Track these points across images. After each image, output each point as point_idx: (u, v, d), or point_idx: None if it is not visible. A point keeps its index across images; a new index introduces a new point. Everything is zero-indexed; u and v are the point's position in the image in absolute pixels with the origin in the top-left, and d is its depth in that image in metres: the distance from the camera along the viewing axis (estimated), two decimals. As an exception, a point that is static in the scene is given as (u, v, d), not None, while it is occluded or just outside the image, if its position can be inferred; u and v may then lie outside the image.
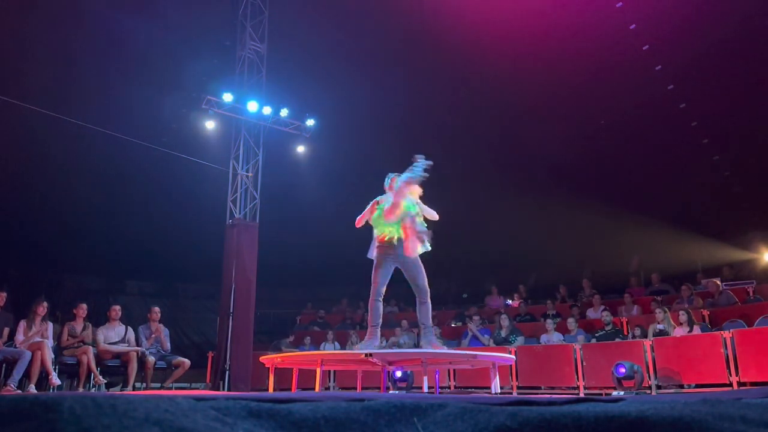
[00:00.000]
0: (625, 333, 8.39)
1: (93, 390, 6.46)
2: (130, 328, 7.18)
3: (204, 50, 9.92)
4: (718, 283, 8.66)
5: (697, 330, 7.34)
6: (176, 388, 7.14)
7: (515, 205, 11.13)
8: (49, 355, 6.09)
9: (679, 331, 7.41)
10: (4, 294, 6.41)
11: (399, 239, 4.65)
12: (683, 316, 7.50)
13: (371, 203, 4.90)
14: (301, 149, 10.29)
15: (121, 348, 6.87)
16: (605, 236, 10.49)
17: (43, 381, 6.12)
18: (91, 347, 6.61)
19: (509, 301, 11.36)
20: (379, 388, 4.85)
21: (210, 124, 9.57)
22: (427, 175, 4.64)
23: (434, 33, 9.46)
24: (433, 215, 4.86)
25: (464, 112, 10.89)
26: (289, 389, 5.40)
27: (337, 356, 5.47)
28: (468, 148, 11.29)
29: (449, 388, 8.05)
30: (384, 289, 4.82)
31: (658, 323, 7.80)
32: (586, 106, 10.17)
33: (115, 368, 6.89)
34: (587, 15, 8.97)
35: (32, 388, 5.93)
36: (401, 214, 4.62)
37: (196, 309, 13.18)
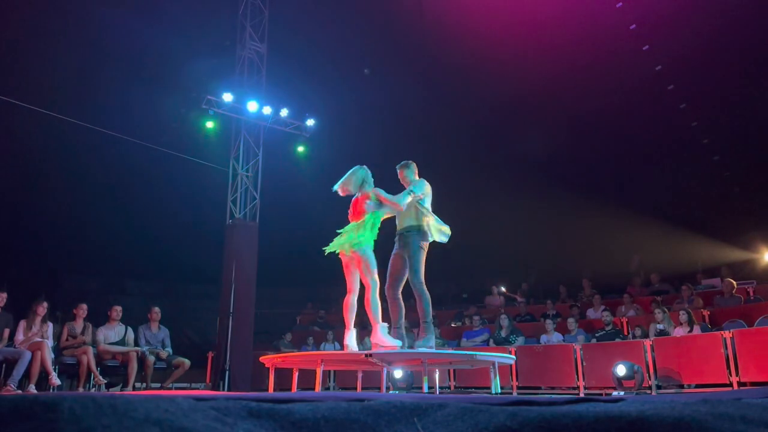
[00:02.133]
0: (625, 333, 8.39)
1: (93, 390, 6.46)
2: (130, 329, 7.17)
3: (204, 50, 9.93)
4: (734, 283, 8.63)
5: (697, 330, 7.33)
6: (176, 388, 7.14)
7: (516, 206, 11.13)
8: (49, 355, 6.09)
9: (679, 331, 7.41)
10: (5, 294, 6.41)
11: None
12: (683, 316, 7.49)
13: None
14: (301, 149, 10.30)
15: (121, 348, 6.87)
16: (605, 236, 10.49)
17: (43, 381, 6.11)
18: (91, 347, 6.61)
19: (510, 294, 11.41)
20: (379, 388, 4.83)
21: (210, 124, 9.57)
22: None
23: (434, 34, 9.47)
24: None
25: (464, 111, 10.90)
26: (289, 389, 5.40)
27: (337, 356, 5.46)
28: (467, 147, 11.30)
29: (449, 388, 8.04)
30: None
31: (658, 323, 7.80)
32: (586, 107, 10.18)
33: (115, 368, 6.88)
34: (587, 15, 8.97)
35: (32, 388, 5.92)
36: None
37: (196, 309, 13.17)
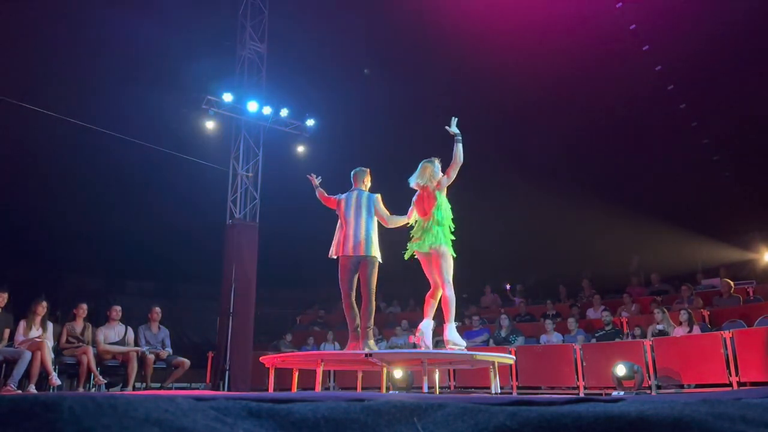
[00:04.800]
0: (625, 331, 8.39)
1: (93, 390, 6.46)
2: (129, 328, 7.17)
3: (204, 50, 9.92)
4: (731, 283, 8.64)
5: (697, 330, 7.33)
6: (176, 388, 7.14)
7: (516, 205, 11.13)
8: (49, 355, 6.08)
9: (679, 331, 7.41)
10: (6, 294, 6.40)
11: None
12: (683, 316, 7.49)
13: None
14: (301, 149, 10.30)
15: (121, 348, 6.87)
16: (605, 236, 10.49)
17: (43, 381, 6.11)
18: (91, 347, 6.61)
19: (508, 286, 11.44)
20: (379, 388, 4.83)
21: (210, 124, 9.57)
22: None
23: (434, 33, 9.47)
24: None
25: (463, 112, 10.88)
26: (289, 389, 5.40)
27: (337, 356, 5.46)
28: (467, 148, 11.27)
29: (449, 388, 8.05)
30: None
31: (658, 323, 7.81)
32: (586, 107, 10.17)
33: (115, 368, 6.88)
34: (587, 16, 8.97)
35: (32, 388, 5.92)
36: None
37: (196, 309, 13.17)
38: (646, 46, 9.26)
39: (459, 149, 4.70)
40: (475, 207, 11.04)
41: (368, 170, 5.17)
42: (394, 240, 5.10)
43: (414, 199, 4.89)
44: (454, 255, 4.65)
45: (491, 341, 8.86)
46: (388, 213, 5.01)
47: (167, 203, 10.95)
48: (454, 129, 4.77)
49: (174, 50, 9.26)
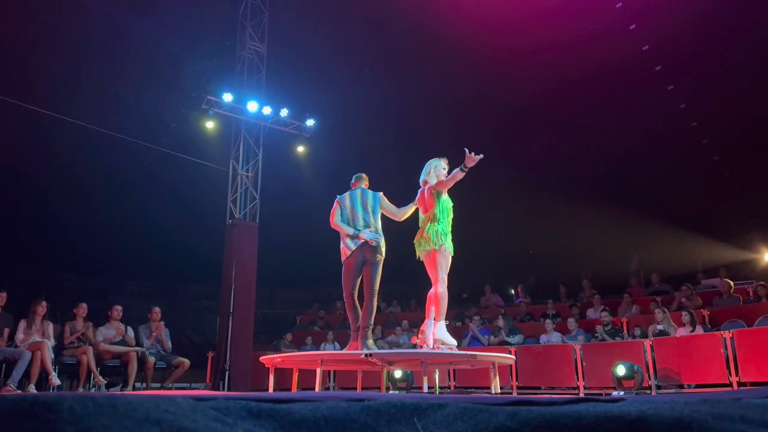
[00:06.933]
0: (626, 332, 8.39)
1: (93, 390, 6.45)
2: (130, 328, 7.17)
3: (204, 50, 9.92)
4: (731, 283, 8.64)
5: (698, 330, 7.34)
6: (176, 388, 7.14)
7: (515, 205, 11.13)
8: (49, 355, 6.09)
9: (682, 331, 7.41)
10: (5, 294, 6.40)
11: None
12: (686, 317, 7.49)
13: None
14: (301, 149, 10.29)
15: (121, 348, 6.87)
16: (605, 236, 10.49)
17: (43, 381, 6.11)
18: (90, 347, 6.61)
19: (519, 289, 11.45)
20: (379, 388, 4.83)
21: (210, 124, 9.57)
22: None
23: (434, 33, 9.46)
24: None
25: (463, 111, 10.89)
26: (289, 389, 5.40)
27: (337, 356, 5.46)
28: (467, 147, 11.28)
29: (449, 388, 8.05)
30: None
31: (658, 323, 7.81)
32: (586, 107, 10.17)
33: (115, 368, 6.88)
34: (587, 16, 8.97)
35: (32, 388, 5.92)
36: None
37: (196, 309, 13.19)
38: (646, 46, 9.26)
39: (455, 175, 4.61)
40: (475, 207, 11.04)
41: (366, 177, 5.20)
42: (395, 240, 5.10)
43: (417, 196, 4.91)
44: (453, 254, 4.66)
45: (490, 340, 8.86)
46: (395, 207, 5.01)
47: (167, 203, 10.96)
48: (474, 157, 4.61)
49: (174, 50, 9.25)
